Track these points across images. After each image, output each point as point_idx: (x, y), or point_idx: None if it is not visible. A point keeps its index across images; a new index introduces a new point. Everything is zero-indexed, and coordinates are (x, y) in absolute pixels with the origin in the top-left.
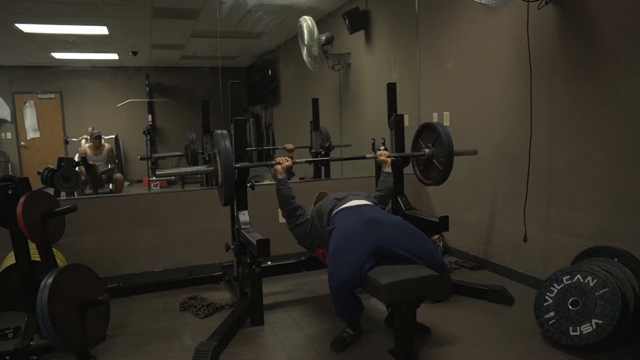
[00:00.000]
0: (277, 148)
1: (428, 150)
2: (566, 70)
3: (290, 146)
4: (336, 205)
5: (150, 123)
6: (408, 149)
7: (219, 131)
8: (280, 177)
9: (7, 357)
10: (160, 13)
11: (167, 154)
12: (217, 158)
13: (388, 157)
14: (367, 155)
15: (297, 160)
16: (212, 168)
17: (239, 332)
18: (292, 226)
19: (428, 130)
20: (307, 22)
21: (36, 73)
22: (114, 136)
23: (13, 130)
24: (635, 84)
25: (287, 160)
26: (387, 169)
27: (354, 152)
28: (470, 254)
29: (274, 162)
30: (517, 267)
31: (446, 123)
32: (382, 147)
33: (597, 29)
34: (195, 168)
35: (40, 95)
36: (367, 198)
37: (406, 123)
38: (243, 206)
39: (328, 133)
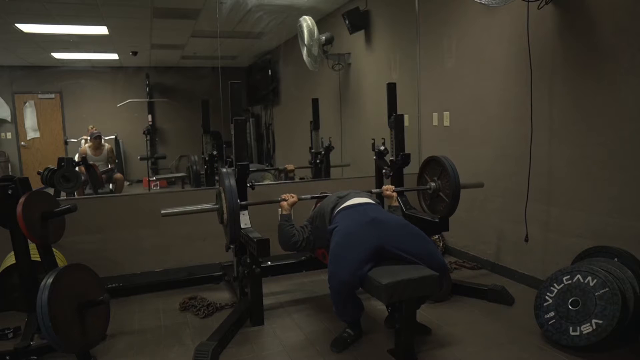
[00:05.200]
0: (276, 168)
1: (434, 183)
2: (566, 70)
3: (291, 167)
4: (338, 204)
5: (150, 123)
6: (408, 149)
7: (224, 169)
8: (284, 213)
9: (7, 357)
10: (160, 13)
11: (170, 176)
12: (223, 196)
13: (394, 191)
14: (373, 190)
15: (303, 197)
16: (217, 206)
17: (239, 332)
18: (295, 250)
19: (433, 164)
20: (307, 22)
21: (36, 73)
22: (113, 137)
23: (13, 130)
24: (635, 84)
25: (293, 197)
26: (394, 203)
27: (355, 152)
28: (470, 254)
29: (279, 199)
30: (517, 267)
31: (446, 123)
32: (382, 147)
33: (597, 29)
34: (200, 207)
35: (40, 95)
36: (369, 196)
37: (406, 123)
38: (243, 206)
39: (327, 142)
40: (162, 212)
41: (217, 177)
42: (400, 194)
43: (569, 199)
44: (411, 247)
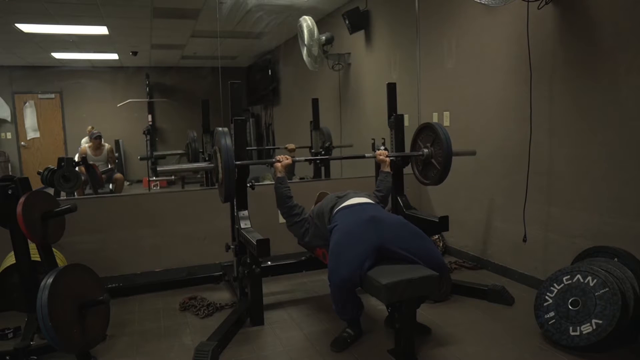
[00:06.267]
0: (278, 148)
1: (427, 150)
2: (566, 70)
3: (291, 146)
4: (337, 203)
5: (150, 123)
6: (408, 150)
7: (219, 128)
8: (279, 175)
9: (7, 357)
10: (160, 13)
11: (168, 152)
12: (218, 155)
13: (387, 156)
14: (367, 155)
15: (298, 159)
16: (212, 165)
17: (239, 332)
18: (289, 224)
19: (427, 131)
20: (307, 22)
21: (36, 73)
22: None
23: (13, 130)
24: (635, 84)
25: (287, 159)
26: (386, 168)
27: (355, 152)
28: (470, 254)
29: (274, 160)
30: (517, 267)
31: (446, 123)
32: (382, 147)
33: (597, 29)
34: (196, 165)
35: (40, 95)
36: (368, 196)
37: (406, 123)
38: (243, 206)
39: (329, 132)
40: (159, 169)
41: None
42: (400, 193)
43: (568, 198)
44: (411, 246)
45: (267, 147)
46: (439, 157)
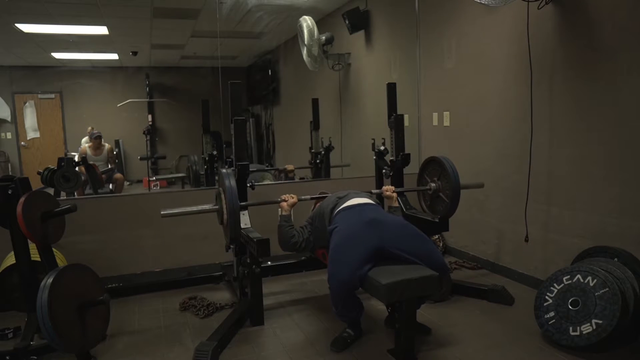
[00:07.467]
0: (276, 169)
1: (434, 184)
2: (566, 70)
3: (291, 167)
4: (338, 204)
5: (150, 123)
6: (408, 149)
7: (224, 170)
8: (284, 213)
9: (7, 357)
10: (160, 13)
11: (170, 176)
12: (222, 197)
13: (394, 192)
14: (373, 191)
15: (303, 197)
16: (217, 207)
17: (239, 332)
18: (297, 252)
19: (433, 164)
20: (307, 22)
21: (36, 73)
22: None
23: (13, 130)
24: (635, 84)
25: (293, 197)
26: (395, 203)
27: (355, 152)
28: (470, 254)
29: (279, 199)
30: (517, 267)
31: (446, 123)
32: (382, 147)
33: (597, 29)
34: (200, 207)
35: (40, 95)
36: (369, 197)
37: (406, 123)
38: (243, 207)
39: (327, 142)
40: (162, 212)
41: (217, 177)
42: (400, 193)
43: (569, 199)
44: (411, 248)
45: (267, 169)
46: (446, 191)
